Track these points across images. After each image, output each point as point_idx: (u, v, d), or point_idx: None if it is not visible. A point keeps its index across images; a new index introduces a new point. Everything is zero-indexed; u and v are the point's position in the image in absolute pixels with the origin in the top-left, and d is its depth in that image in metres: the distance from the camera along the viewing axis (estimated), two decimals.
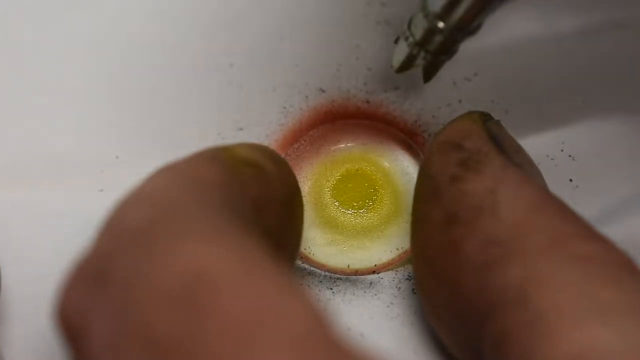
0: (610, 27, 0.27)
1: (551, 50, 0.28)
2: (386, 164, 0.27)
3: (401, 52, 0.25)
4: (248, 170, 0.21)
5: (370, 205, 0.27)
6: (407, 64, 0.25)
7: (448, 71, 0.28)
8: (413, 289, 0.25)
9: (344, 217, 0.27)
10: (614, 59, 0.27)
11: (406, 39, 0.25)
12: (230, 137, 0.27)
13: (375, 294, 0.25)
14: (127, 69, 0.28)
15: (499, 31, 0.28)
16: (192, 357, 0.15)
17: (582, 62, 0.28)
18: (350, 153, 0.28)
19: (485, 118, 0.24)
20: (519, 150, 0.24)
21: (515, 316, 0.18)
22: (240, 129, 0.28)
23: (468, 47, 0.28)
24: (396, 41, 0.26)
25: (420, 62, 0.25)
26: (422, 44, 0.24)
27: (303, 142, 0.28)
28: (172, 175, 0.19)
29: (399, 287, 0.25)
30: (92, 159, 0.27)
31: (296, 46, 0.28)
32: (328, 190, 0.27)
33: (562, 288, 0.18)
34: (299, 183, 0.26)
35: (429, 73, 0.26)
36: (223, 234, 0.17)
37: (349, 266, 0.26)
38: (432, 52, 0.24)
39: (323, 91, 0.28)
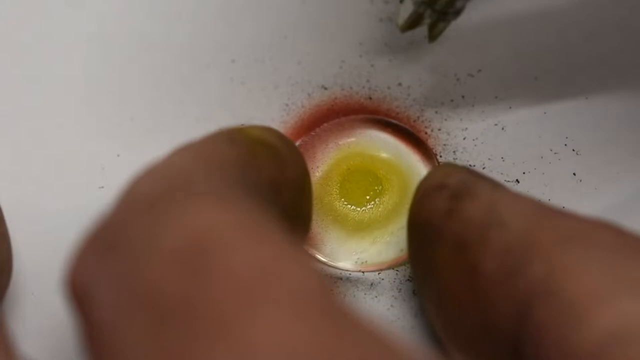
0: (612, 25, 0.27)
1: (554, 48, 0.28)
2: (392, 159, 0.27)
3: (407, 10, 0.25)
4: (264, 150, 0.21)
5: (376, 201, 0.27)
6: (413, 22, 0.25)
7: (451, 67, 0.28)
8: (414, 291, 0.25)
9: (351, 213, 0.27)
10: (616, 54, 0.27)
11: None
12: None
13: (376, 296, 0.25)
14: (128, 66, 0.28)
15: (502, 27, 0.28)
16: (196, 315, 0.15)
17: (585, 57, 0.28)
18: (355, 149, 0.28)
19: (461, 165, 0.24)
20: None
21: (546, 307, 0.18)
22: (242, 125, 0.28)
23: (472, 42, 0.28)
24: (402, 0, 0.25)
25: (426, 20, 0.24)
26: (429, 2, 0.24)
27: (306, 139, 0.28)
28: (187, 153, 0.19)
29: (400, 289, 0.25)
30: (93, 157, 0.27)
31: (299, 43, 0.28)
32: (334, 188, 0.27)
33: (587, 271, 0.18)
34: None
35: (435, 32, 0.25)
36: (232, 201, 0.17)
37: (365, 262, 0.26)
38: (439, 10, 0.24)
39: (325, 88, 0.28)
